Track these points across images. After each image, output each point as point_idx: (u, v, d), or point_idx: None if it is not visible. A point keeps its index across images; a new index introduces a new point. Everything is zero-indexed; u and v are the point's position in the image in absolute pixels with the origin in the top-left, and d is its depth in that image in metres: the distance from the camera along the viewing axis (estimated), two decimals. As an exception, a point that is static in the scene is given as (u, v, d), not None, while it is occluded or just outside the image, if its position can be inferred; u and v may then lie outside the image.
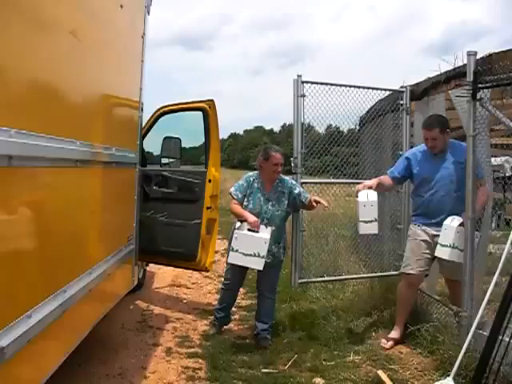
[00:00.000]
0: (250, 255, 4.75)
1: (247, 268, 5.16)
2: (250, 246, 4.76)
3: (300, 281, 5.56)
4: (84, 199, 3.40)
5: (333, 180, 5.73)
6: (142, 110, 5.08)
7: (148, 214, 6.02)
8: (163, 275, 7.95)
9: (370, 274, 5.98)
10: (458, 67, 4.70)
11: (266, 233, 4.82)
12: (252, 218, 4.87)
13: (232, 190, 5.19)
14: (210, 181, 5.92)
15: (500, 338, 3.36)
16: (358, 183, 5.08)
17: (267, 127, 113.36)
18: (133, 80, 4.75)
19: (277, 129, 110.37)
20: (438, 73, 5.11)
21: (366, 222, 4.83)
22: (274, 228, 4.96)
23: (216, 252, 7.88)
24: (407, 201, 5.86)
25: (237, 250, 4.80)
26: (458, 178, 4.70)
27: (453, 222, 4.61)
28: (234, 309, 6.16)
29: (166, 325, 5.77)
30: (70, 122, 3.02)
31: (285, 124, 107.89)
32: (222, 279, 5.88)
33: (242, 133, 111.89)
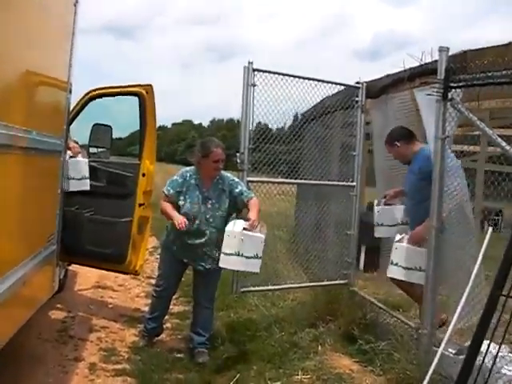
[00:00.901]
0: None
1: (182, 271, 4.78)
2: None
3: (242, 289, 5.06)
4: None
5: (282, 180, 5.26)
6: (71, 91, 4.40)
7: (72, 209, 5.37)
8: (87, 275, 7.15)
9: (316, 283, 5.55)
10: (426, 64, 4.30)
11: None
12: (179, 219, 4.35)
13: (166, 186, 4.65)
14: (143, 175, 5.37)
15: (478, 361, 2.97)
16: (308, 184, 4.70)
17: (196, 121, 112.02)
18: (59, 55, 4.07)
19: (206, 123, 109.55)
20: (400, 69, 4.70)
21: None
22: (213, 230, 4.51)
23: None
24: (357, 204, 5.49)
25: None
26: (413, 186, 4.57)
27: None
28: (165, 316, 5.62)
29: (90, 335, 5.14)
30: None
31: (214, 119, 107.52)
32: (153, 283, 5.30)
33: (170, 126, 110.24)
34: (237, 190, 4.57)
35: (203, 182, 4.59)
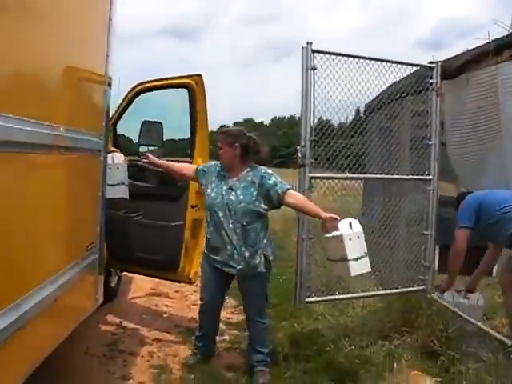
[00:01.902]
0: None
1: (224, 281, 4.24)
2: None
3: (307, 299, 4.49)
4: (18, 198, 2.36)
5: (349, 175, 4.64)
6: (110, 85, 3.95)
7: (120, 213, 5.00)
8: (141, 281, 6.77)
9: (389, 291, 4.92)
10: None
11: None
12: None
13: None
14: (196, 173, 4.84)
15: None
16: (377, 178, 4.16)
17: (257, 120, 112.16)
18: (93, 45, 3.62)
19: (267, 121, 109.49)
20: (484, 42, 4.02)
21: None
22: (237, 225, 3.94)
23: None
24: (435, 200, 4.84)
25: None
26: None
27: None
28: (222, 326, 5.19)
29: (141, 349, 4.74)
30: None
31: (275, 117, 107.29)
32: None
33: (231, 125, 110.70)
34: (270, 182, 3.96)
35: (230, 173, 4.08)
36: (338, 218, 3.83)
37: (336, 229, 3.78)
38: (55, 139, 2.80)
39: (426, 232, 4.87)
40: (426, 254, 4.88)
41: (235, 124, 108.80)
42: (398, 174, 4.95)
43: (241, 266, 4.00)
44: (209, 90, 4.95)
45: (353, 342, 4.65)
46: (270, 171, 4.07)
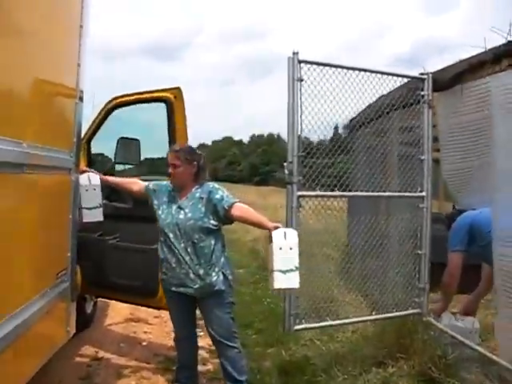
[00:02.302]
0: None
1: (188, 305, 4.00)
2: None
3: (296, 327, 4.18)
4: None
5: (341, 193, 4.37)
6: (82, 99, 3.66)
7: (95, 236, 4.69)
8: (119, 306, 6.38)
9: (382, 315, 4.62)
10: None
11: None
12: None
13: None
14: (175, 192, 4.56)
15: None
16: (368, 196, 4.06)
17: (236, 138, 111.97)
18: (63, 56, 3.33)
19: (246, 139, 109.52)
20: (480, 51, 3.81)
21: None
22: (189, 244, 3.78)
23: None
24: (429, 218, 4.60)
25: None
26: None
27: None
28: (205, 355, 4.87)
29: (118, 382, 4.41)
30: None
31: (253, 135, 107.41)
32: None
33: (210, 143, 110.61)
34: (217, 197, 3.80)
35: (180, 193, 3.94)
36: (280, 225, 3.65)
37: None
38: (18, 156, 2.51)
39: (419, 252, 4.61)
40: (420, 275, 4.61)
41: (213, 142, 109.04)
42: (385, 192, 4.69)
43: (197, 285, 3.79)
44: (187, 107, 4.71)
45: (345, 370, 4.35)
46: (217, 186, 3.97)
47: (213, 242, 3.82)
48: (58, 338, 3.46)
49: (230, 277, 3.92)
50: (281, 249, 3.53)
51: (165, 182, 4.08)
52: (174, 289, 3.90)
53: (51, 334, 3.37)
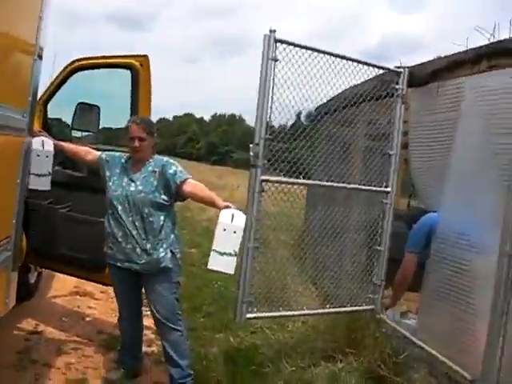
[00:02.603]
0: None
1: (134, 283, 3.88)
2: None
3: (248, 315, 4.03)
4: None
5: (307, 181, 4.26)
6: (41, 57, 3.39)
7: (44, 203, 4.45)
8: (65, 278, 6.04)
9: (336, 309, 4.52)
10: (501, 41, 3.32)
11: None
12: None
13: None
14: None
15: None
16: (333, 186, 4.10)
17: (198, 115, 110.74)
18: (22, 8, 3.06)
19: (207, 117, 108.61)
20: (460, 50, 3.71)
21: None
22: (137, 217, 3.65)
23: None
24: (391, 215, 4.53)
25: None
26: None
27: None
28: (151, 335, 4.70)
29: (57, 359, 4.23)
30: None
31: (215, 113, 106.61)
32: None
33: (171, 118, 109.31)
34: (170, 171, 3.69)
35: (132, 166, 3.80)
36: (232, 207, 3.53)
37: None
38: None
39: (378, 248, 4.54)
40: (377, 271, 4.54)
41: (175, 117, 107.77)
42: (348, 183, 4.58)
43: (143, 260, 3.66)
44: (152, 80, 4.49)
45: (293, 362, 4.27)
46: (171, 160, 3.85)
47: (162, 218, 3.69)
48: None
49: (178, 255, 3.80)
50: (224, 230, 3.43)
51: (118, 154, 3.93)
52: (119, 264, 3.76)
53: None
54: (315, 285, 5.06)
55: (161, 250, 3.68)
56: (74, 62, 4.61)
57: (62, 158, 4.45)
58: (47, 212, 4.46)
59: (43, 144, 3.83)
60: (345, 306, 4.51)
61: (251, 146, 3.87)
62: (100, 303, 5.89)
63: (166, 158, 3.83)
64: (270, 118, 3.87)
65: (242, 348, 4.60)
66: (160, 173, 3.69)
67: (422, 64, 4.43)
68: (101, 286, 5.87)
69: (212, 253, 3.43)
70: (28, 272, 5.28)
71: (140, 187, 3.67)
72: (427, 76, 4.26)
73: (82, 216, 4.47)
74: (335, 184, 4.43)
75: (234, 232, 3.43)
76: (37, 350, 4.32)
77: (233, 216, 3.45)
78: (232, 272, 3.48)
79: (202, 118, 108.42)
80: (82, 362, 4.21)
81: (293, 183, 4.20)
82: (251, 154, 3.87)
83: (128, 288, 3.88)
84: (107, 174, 3.82)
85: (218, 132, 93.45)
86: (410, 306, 5.11)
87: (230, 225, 3.42)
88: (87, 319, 5.32)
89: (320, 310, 4.58)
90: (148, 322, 4.25)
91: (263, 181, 3.92)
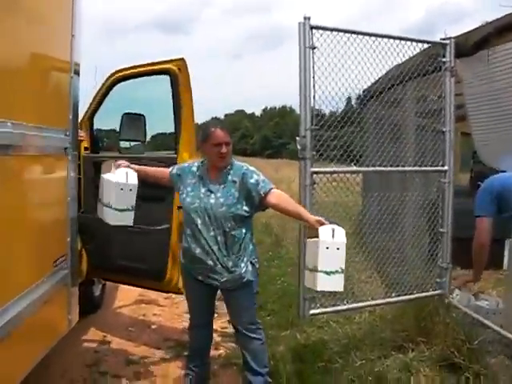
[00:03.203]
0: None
1: (208, 294, 3.67)
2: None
3: (312, 311, 3.94)
4: None
5: (355, 168, 4.12)
6: (78, 73, 3.39)
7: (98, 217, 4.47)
8: (129, 288, 6.05)
9: (401, 297, 4.37)
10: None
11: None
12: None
13: None
14: (182, 170, 4.31)
15: None
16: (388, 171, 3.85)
17: (248, 111, 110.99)
18: (53, 26, 3.05)
19: (258, 112, 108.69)
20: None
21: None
22: (218, 232, 3.42)
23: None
24: (451, 195, 4.33)
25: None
26: None
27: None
28: (217, 338, 4.70)
29: (126, 368, 4.25)
30: None
31: (266, 107, 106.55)
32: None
33: (222, 117, 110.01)
34: (251, 181, 3.42)
35: (209, 174, 3.54)
36: (326, 221, 3.30)
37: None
38: (3, 137, 2.27)
39: (441, 230, 4.35)
40: (443, 254, 4.35)
41: (226, 115, 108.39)
42: (402, 166, 4.41)
43: (225, 278, 3.47)
44: (198, 82, 4.43)
45: (363, 354, 4.14)
46: (251, 168, 3.55)
47: (244, 231, 3.50)
48: (59, 328, 3.26)
49: (257, 265, 3.65)
50: (327, 248, 3.21)
51: (187, 164, 3.72)
52: (199, 278, 3.59)
53: (50, 323, 3.16)
54: (379, 273, 4.91)
55: (242, 265, 3.51)
56: (114, 73, 4.61)
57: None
58: (102, 225, 4.48)
59: (127, 177, 3.58)
60: (411, 293, 4.35)
61: (297, 138, 3.75)
62: (165, 310, 5.92)
63: (244, 165, 3.56)
64: (313, 107, 3.74)
65: (309, 344, 4.50)
66: (241, 183, 3.45)
67: (468, 32, 4.21)
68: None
69: (319, 274, 3.23)
70: (92, 285, 5.37)
71: (221, 199, 3.43)
72: (475, 44, 4.04)
73: (136, 226, 4.47)
74: (388, 168, 4.25)
75: (338, 248, 3.24)
76: (105, 361, 4.36)
77: (333, 232, 3.25)
78: (341, 289, 3.35)
79: (253, 114, 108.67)
80: (150, 371, 4.23)
81: (344, 171, 4.06)
82: (298, 147, 3.75)
83: (203, 300, 3.73)
84: (181, 187, 3.61)
85: (270, 125, 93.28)
86: (482, 286, 4.91)
87: (333, 242, 3.23)
88: (153, 327, 5.35)
89: (386, 300, 4.42)
90: (215, 325, 4.22)
91: (314, 173, 3.80)
